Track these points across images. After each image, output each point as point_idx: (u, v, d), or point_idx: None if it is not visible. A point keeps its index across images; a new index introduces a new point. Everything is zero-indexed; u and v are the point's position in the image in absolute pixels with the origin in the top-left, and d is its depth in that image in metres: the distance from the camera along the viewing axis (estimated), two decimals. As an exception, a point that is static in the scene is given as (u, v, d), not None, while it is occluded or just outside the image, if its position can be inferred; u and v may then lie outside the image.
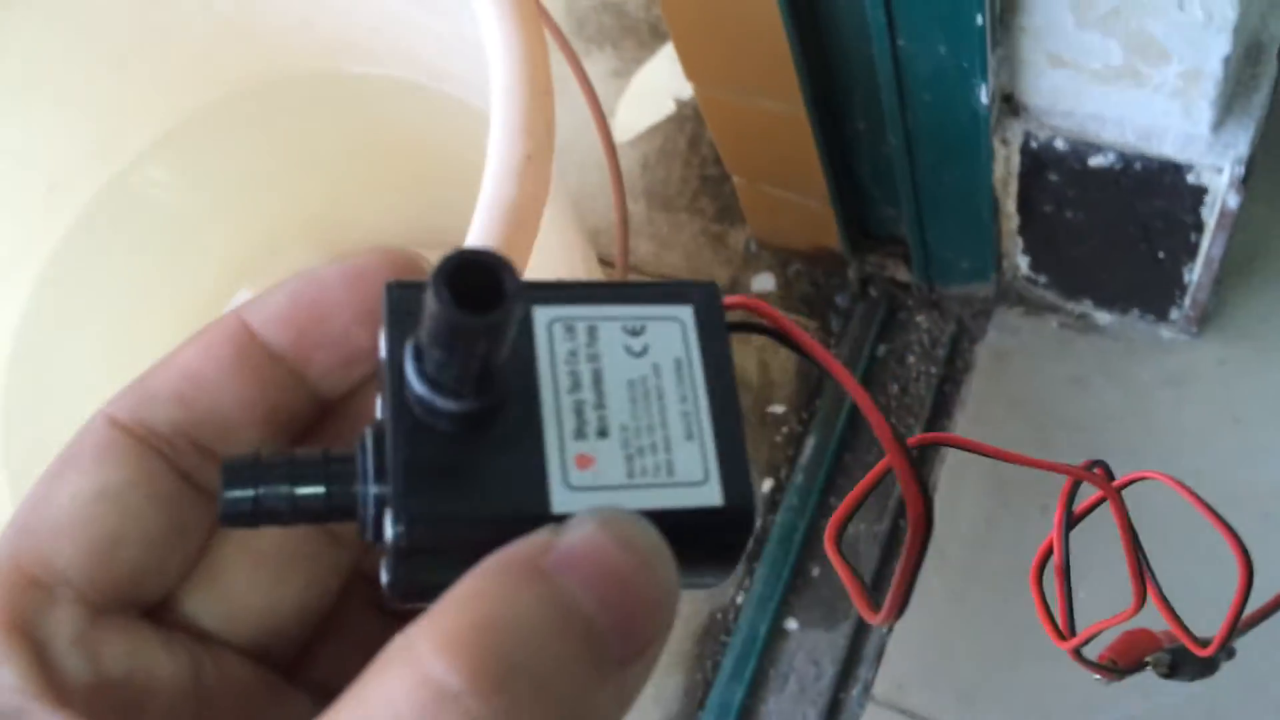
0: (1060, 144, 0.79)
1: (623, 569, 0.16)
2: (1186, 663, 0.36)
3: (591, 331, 0.19)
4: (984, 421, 0.97)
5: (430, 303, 0.16)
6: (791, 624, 0.93)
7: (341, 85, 0.86)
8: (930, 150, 0.82)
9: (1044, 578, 0.35)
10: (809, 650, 0.92)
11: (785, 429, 1.06)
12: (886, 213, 0.97)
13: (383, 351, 0.18)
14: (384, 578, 0.18)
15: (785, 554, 0.96)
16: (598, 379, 0.19)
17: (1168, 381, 0.94)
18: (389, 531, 0.17)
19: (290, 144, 0.91)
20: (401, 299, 0.18)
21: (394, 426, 0.17)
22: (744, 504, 0.18)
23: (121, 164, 0.87)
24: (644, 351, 0.19)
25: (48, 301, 0.83)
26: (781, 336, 0.21)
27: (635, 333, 0.19)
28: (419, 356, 0.17)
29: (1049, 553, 0.35)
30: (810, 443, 1.02)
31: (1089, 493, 0.34)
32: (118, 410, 0.19)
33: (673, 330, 0.19)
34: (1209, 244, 0.81)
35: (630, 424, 0.18)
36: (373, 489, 0.18)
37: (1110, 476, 0.31)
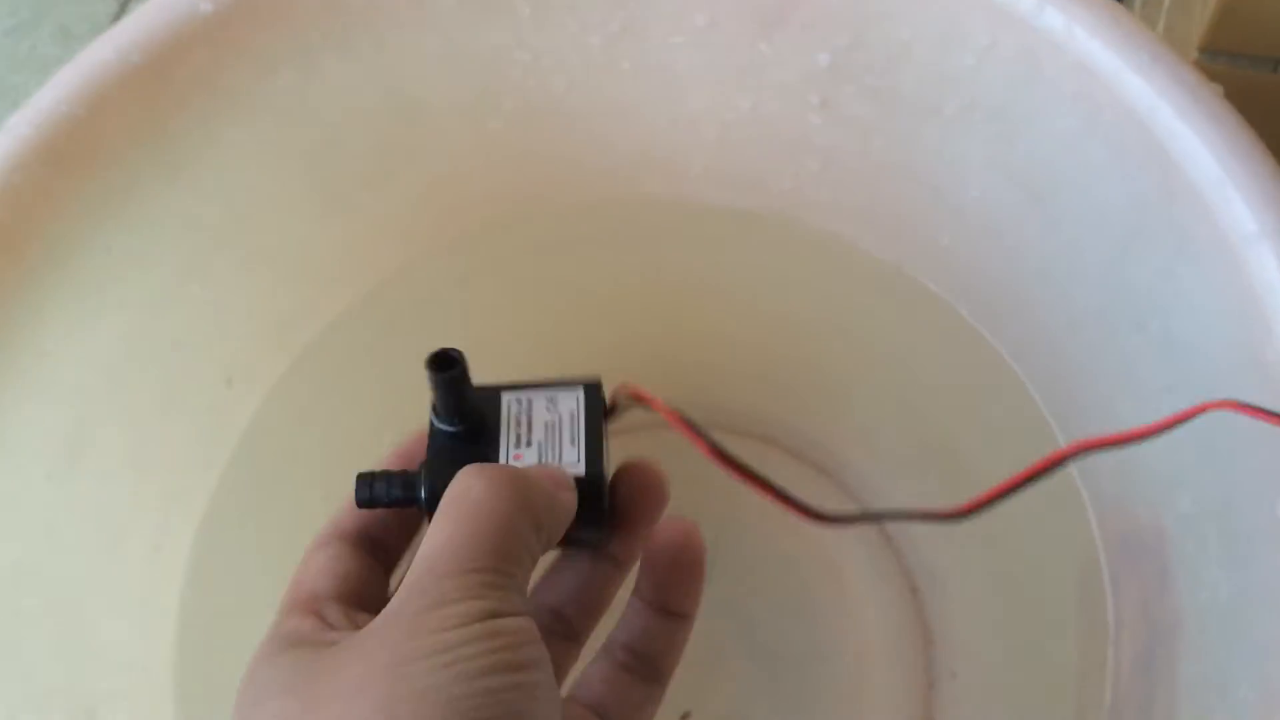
0: None
1: (544, 477, 0.31)
2: None
3: (529, 402, 0.35)
4: None
5: (428, 371, 0.32)
6: None
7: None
8: None
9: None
10: None
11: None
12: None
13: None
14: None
15: None
16: (530, 422, 0.34)
17: None
18: (422, 494, 0.32)
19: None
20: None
21: (429, 446, 0.33)
22: (596, 473, 0.33)
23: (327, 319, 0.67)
24: (554, 409, 0.34)
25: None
26: (648, 408, 0.34)
27: (551, 401, 0.35)
28: (434, 408, 0.33)
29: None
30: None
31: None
32: (333, 526, 0.35)
33: (570, 399, 0.35)
34: None
35: (543, 440, 0.34)
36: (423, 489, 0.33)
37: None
